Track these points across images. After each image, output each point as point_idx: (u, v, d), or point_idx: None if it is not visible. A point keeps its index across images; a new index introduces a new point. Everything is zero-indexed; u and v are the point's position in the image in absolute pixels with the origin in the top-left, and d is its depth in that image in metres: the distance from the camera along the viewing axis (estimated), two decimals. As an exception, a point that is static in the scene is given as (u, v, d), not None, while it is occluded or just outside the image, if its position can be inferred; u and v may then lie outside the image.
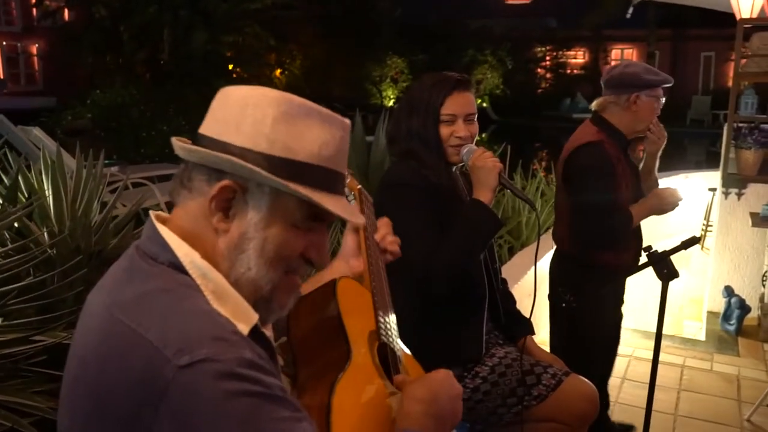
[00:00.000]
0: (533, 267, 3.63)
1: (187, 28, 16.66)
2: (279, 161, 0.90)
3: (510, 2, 22.75)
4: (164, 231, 0.92)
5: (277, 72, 22.91)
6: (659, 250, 1.74)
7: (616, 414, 3.12)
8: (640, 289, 3.94)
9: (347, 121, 0.99)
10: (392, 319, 1.32)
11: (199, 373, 0.78)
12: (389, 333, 1.26)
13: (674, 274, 1.70)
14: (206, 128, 0.94)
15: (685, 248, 1.79)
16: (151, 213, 0.96)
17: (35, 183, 2.93)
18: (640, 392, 3.33)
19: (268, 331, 1.00)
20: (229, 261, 0.92)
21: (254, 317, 0.91)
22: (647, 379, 3.43)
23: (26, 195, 2.90)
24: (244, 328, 0.88)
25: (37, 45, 25.36)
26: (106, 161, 3.57)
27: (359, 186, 1.50)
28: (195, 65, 16.47)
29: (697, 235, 1.84)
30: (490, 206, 1.83)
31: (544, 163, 5.93)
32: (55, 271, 2.29)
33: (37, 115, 10.89)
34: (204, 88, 15.06)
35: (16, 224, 2.51)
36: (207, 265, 0.90)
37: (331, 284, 1.24)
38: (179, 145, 0.94)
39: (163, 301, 0.86)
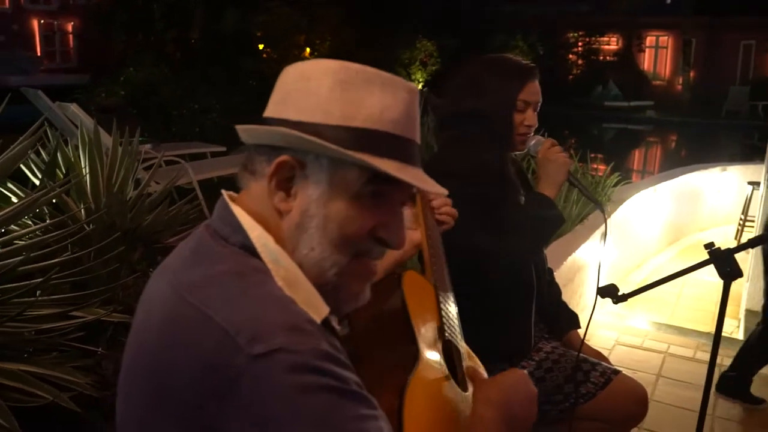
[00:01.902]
0: (570, 257, 3.58)
1: (217, 7, 16.68)
2: (335, 130, 0.84)
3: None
4: (238, 211, 0.88)
5: (306, 53, 22.87)
6: (721, 247, 1.66)
7: (650, 413, 3.06)
8: (673, 283, 3.88)
9: (413, 84, 0.91)
10: (453, 309, 1.27)
11: (274, 365, 0.73)
12: (453, 328, 1.22)
13: (738, 273, 1.63)
14: (268, 111, 0.90)
15: (752, 247, 1.72)
16: (224, 192, 0.92)
17: (72, 159, 2.93)
18: (674, 390, 3.26)
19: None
20: (291, 242, 0.87)
21: (325, 309, 0.86)
22: (682, 376, 3.40)
23: (64, 171, 2.90)
24: (316, 319, 0.83)
25: (72, 23, 25.61)
26: (140, 138, 3.57)
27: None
28: (225, 45, 16.49)
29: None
30: (553, 201, 1.78)
31: (573, 152, 5.79)
32: (91, 248, 2.29)
33: (71, 91, 10.97)
34: (233, 67, 15.08)
35: (54, 200, 2.51)
36: (280, 251, 0.86)
37: (397, 276, 1.19)
38: (238, 128, 0.89)
39: (235, 285, 0.81)
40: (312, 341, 0.77)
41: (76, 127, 4.85)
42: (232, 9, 16.54)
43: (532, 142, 1.84)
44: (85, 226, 2.39)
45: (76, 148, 2.97)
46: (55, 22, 25.45)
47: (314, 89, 0.86)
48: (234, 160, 6.34)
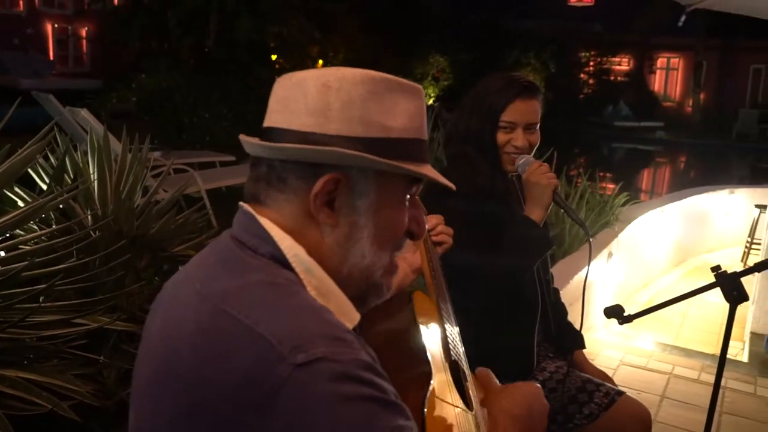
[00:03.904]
0: (577, 275, 3.57)
1: (233, 16, 16.77)
2: (377, 142, 0.86)
3: (572, 3, 22.38)
4: (266, 222, 0.87)
5: (319, 64, 23.00)
6: (728, 270, 1.65)
7: (654, 434, 3.04)
8: (679, 304, 3.85)
9: (420, 87, 0.94)
10: (456, 330, 1.26)
11: (317, 373, 0.72)
12: (457, 349, 1.20)
13: (744, 297, 1.62)
14: (284, 121, 0.88)
15: (759, 271, 1.71)
16: (243, 204, 0.91)
17: (81, 164, 2.95)
18: (679, 412, 3.24)
19: None
20: (340, 254, 0.88)
21: (356, 317, 0.88)
22: (687, 398, 3.37)
23: (72, 176, 2.92)
24: (349, 328, 0.84)
25: (86, 28, 25.83)
26: (150, 145, 3.58)
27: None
28: (239, 54, 16.57)
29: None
30: (541, 224, 1.76)
31: (583, 170, 5.81)
32: (97, 254, 2.29)
33: (83, 96, 11.05)
34: (247, 76, 15.13)
35: (61, 205, 2.52)
36: (311, 261, 0.86)
37: (408, 294, 1.17)
38: (265, 145, 0.86)
39: (271, 294, 0.80)
40: (353, 351, 0.77)
41: (86, 132, 4.87)
42: (246, 18, 16.63)
43: (521, 161, 1.80)
44: (92, 232, 2.40)
45: (85, 153, 2.99)
46: (69, 27, 25.68)
47: (346, 100, 0.86)
48: (243, 170, 6.35)
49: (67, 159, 2.90)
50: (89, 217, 2.56)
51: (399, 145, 0.88)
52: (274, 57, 19.50)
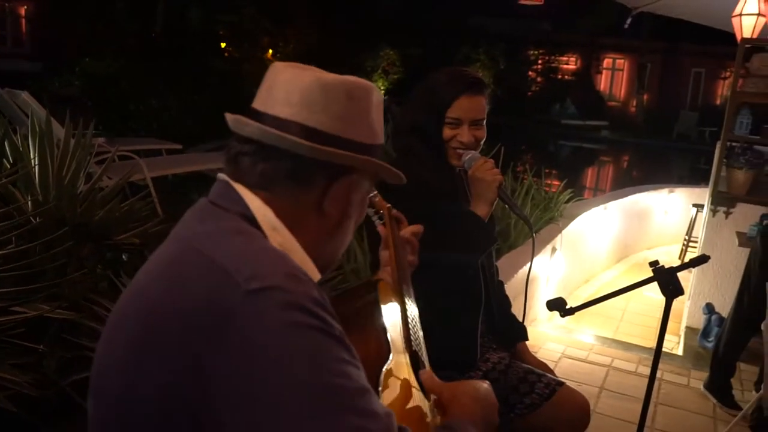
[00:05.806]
0: (521, 269, 3.63)
1: (182, 4, 16.48)
2: (376, 147, 0.99)
3: (522, 2, 22.64)
4: (239, 188, 0.93)
5: (269, 54, 22.75)
6: (666, 266, 1.71)
7: (592, 424, 3.12)
8: (619, 299, 3.97)
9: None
10: (418, 322, 1.27)
11: (268, 300, 0.77)
12: (418, 340, 1.22)
13: (679, 291, 1.68)
14: (309, 119, 0.93)
15: (694, 266, 1.78)
16: (221, 174, 0.96)
17: (21, 148, 2.85)
18: (617, 403, 3.35)
19: None
20: (328, 239, 0.99)
21: (317, 276, 0.94)
22: (625, 389, 3.49)
23: (11, 160, 2.82)
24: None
25: (26, 7, 24.82)
26: (94, 131, 3.49)
27: (388, 205, 1.40)
28: (189, 42, 16.27)
29: (707, 255, 1.81)
30: (486, 220, 1.78)
31: (529, 166, 5.93)
32: (37, 241, 2.23)
33: (22, 78, 10.65)
34: (197, 65, 14.86)
35: (-1, 190, 2.44)
36: (279, 222, 0.92)
37: (375, 281, 1.19)
38: (320, 149, 0.91)
39: (238, 238, 0.87)
40: (306, 287, 0.82)
41: (27, 116, 4.71)
42: (196, 6, 16.36)
43: (467, 157, 1.82)
44: (32, 218, 2.33)
45: (26, 137, 2.89)
46: (7, 5, 24.55)
47: (363, 109, 0.97)
48: (190, 158, 6.23)
49: (5, 142, 2.80)
50: (29, 202, 2.49)
51: (380, 147, 1.00)
52: (223, 45, 19.22)
